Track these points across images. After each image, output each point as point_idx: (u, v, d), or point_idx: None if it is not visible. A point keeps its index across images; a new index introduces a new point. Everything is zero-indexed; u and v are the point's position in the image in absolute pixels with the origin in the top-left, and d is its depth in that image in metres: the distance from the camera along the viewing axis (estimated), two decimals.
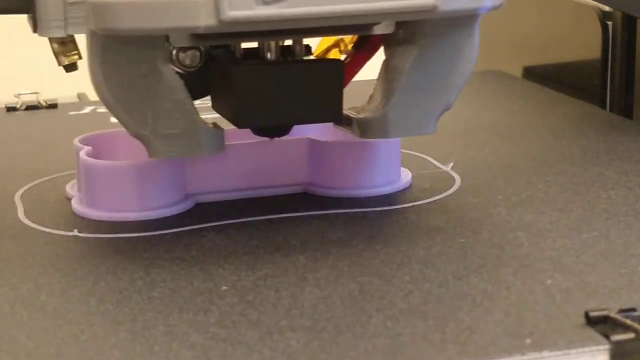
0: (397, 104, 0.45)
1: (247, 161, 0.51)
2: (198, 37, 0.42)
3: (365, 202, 0.50)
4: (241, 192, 0.51)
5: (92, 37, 0.42)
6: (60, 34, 0.45)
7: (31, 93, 0.74)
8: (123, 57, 0.42)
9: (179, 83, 0.43)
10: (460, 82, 0.45)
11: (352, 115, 0.47)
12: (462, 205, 0.49)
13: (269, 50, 0.45)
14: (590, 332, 0.35)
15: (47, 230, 0.47)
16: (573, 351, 0.34)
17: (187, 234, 0.46)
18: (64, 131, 0.65)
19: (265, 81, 0.44)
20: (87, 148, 0.50)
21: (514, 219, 0.46)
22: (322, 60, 0.50)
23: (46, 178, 0.55)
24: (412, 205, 0.49)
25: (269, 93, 0.44)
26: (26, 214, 0.49)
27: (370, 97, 0.47)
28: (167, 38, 0.43)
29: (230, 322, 0.37)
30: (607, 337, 0.35)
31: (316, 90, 0.45)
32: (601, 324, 0.35)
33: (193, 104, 0.44)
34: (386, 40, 0.46)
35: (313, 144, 0.51)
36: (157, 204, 0.48)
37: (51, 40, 0.47)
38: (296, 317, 0.37)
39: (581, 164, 0.54)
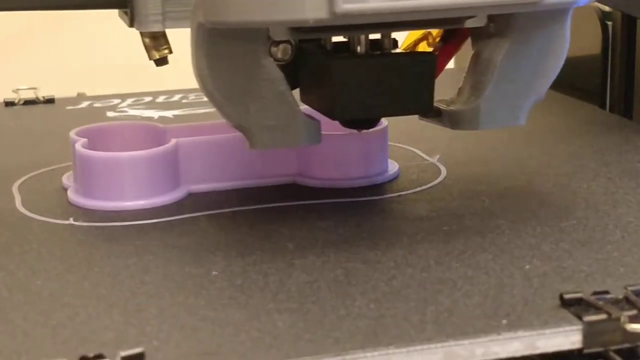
0: (489, 96, 0.45)
1: (239, 153, 0.52)
2: (297, 30, 0.43)
3: (353, 192, 0.51)
4: (233, 183, 0.52)
5: (199, 30, 0.42)
6: (158, 28, 0.45)
7: (29, 88, 0.75)
8: (228, 50, 0.43)
9: (280, 75, 0.44)
10: (552, 74, 0.46)
11: (442, 108, 0.48)
12: (446, 195, 0.50)
13: (359, 43, 0.46)
14: (564, 313, 0.36)
15: (44, 219, 0.49)
16: (547, 331, 0.36)
17: (179, 223, 0.48)
18: (61, 125, 0.66)
19: (362, 74, 0.45)
20: (83, 140, 0.52)
21: (497, 209, 0.48)
22: (416, 53, 0.51)
23: (43, 170, 0.56)
24: (399, 195, 0.50)
25: (364, 85, 0.45)
26: (23, 203, 0.51)
27: (460, 90, 0.48)
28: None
29: (219, 304, 0.39)
30: (580, 317, 0.36)
31: (409, 82, 0.45)
32: (575, 306, 0.37)
33: (293, 96, 0.45)
34: (475, 33, 0.47)
35: None
36: (151, 194, 0.50)
37: (143, 34, 0.48)
38: (283, 300, 0.39)
39: (565, 158, 0.56)
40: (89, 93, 0.81)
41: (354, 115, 0.47)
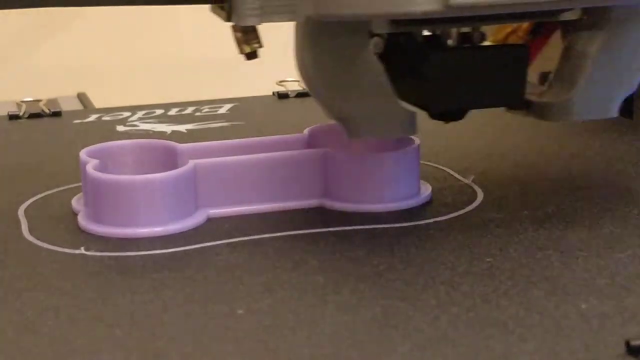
0: (583, 88, 0.46)
1: (261, 174, 0.49)
2: (398, 22, 0.44)
3: (384, 217, 0.47)
4: (255, 207, 0.49)
5: (306, 24, 0.43)
6: (255, 22, 0.45)
7: (34, 100, 0.72)
8: (333, 42, 0.44)
9: (380, 67, 0.45)
10: None
11: (533, 100, 0.48)
12: (486, 221, 0.47)
13: (450, 36, 0.47)
14: None
15: (53, 247, 0.45)
16: None
17: (199, 252, 0.44)
18: (69, 140, 0.63)
19: (457, 66, 0.46)
20: (94, 161, 0.48)
21: (542, 236, 0.44)
22: (509, 45, 0.51)
23: (51, 191, 0.53)
24: (434, 221, 0.47)
25: (459, 77, 0.46)
26: (30, 230, 0.47)
27: (551, 82, 0.48)
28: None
29: (247, 349, 0.35)
30: None
31: (502, 74, 0.46)
32: None
33: (391, 87, 0.45)
34: (566, 27, 0.47)
35: (329, 156, 0.49)
36: (167, 220, 0.46)
37: (234, 28, 0.47)
38: (317, 345, 0.35)
39: (606, 176, 0.52)
40: (89, 93, 0.77)
41: (449, 107, 0.47)
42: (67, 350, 0.36)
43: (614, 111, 0.47)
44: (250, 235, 0.46)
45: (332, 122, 0.51)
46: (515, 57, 0.46)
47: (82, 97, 0.79)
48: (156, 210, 0.46)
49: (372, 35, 0.45)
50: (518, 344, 0.35)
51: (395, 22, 0.44)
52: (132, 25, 0.92)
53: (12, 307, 0.39)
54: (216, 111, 0.69)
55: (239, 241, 0.45)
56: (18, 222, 0.48)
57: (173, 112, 0.70)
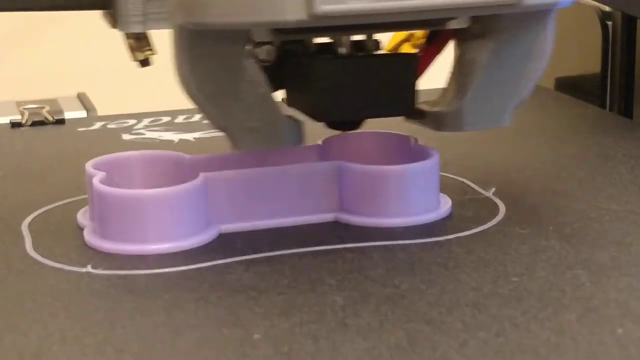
0: (473, 98, 0.45)
1: (274, 187, 0.47)
2: (279, 31, 0.43)
3: (403, 232, 0.46)
4: (268, 221, 0.47)
5: (181, 32, 0.42)
6: (139, 29, 0.45)
7: (37, 107, 0.70)
8: (210, 51, 0.42)
9: (261, 77, 0.44)
10: (536, 75, 0.45)
11: (425, 109, 0.47)
12: (510, 237, 0.45)
13: (342, 44, 0.46)
14: None
15: (58, 265, 0.43)
16: None
17: (211, 271, 0.42)
18: (74, 150, 0.61)
19: (344, 74, 0.45)
20: (101, 174, 0.46)
21: (570, 254, 0.42)
22: (398, 54, 0.51)
23: (55, 204, 0.51)
24: (455, 237, 0.45)
25: (347, 86, 0.45)
26: (34, 246, 0.45)
27: (444, 91, 0.47)
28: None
29: None
30: None
31: (392, 83, 0.45)
32: None
33: (274, 97, 0.45)
34: (459, 35, 0.46)
35: (345, 168, 0.47)
36: (177, 236, 0.44)
37: (127, 36, 0.47)
38: None
39: (631, 187, 0.50)
40: (89, 93, 0.76)
41: (337, 117, 0.47)
42: None
43: (506, 121, 0.45)
44: (264, 252, 0.44)
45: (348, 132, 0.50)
46: (404, 65, 0.45)
47: (82, 97, 0.77)
48: (165, 225, 0.44)
49: (262, 43, 0.44)
50: None
51: (277, 30, 0.43)
52: None
53: (15, 330, 0.37)
54: None
55: (253, 258, 0.43)
56: (22, 237, 0.47)
57: (180, 119, 0.68)
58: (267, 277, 0.41)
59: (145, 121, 0.68)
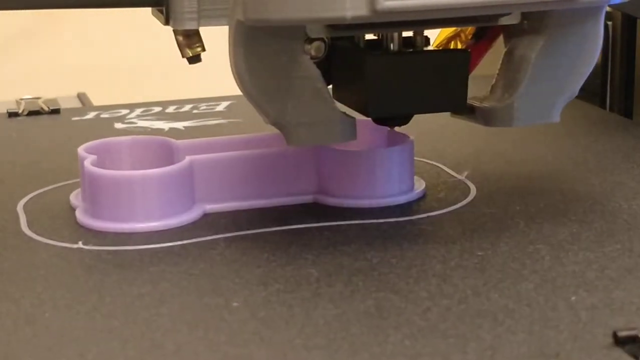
0: (524, 93, 0.45)
1: (257, 170, 0.49)
2: (333, 27, 0.44)
3: (378, 212, 0.48)
4: (250, 202, 0.49)
5: (237, 28, 0.42)
6: (193, 26, 0.45)
7: (33, 98, 0.72)
8: (267, 47, 0.43)
9: (317, 72, 0.44)
10: (586, 71, 0.46)
11: (476, 105, 0.47)
12: (478, 216, 0.47)
13: (392, 41, 0.46)
14: (619, 352, 0.34)
15: (51, 242, 0.46)
16: None
17: (195, 246, 0.45)
18: (67, 137, 0.63)
19: (397, 71, 0.45)
20: (92, 157, 0.49)
21: (533, 231, 0.45)
22: (449, 50, 0.51)
23: (50, 187, 0.53)
24: (427, 216, 0.48)
25: (399, 82, 0.45)
26: (29, 224, 0.48)
27: (492, 87, 0.47)
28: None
29: (241, 340, 0.36)
30: (636, 357, 0.33)
31: (443, 79, 0.46)
32: (630, 344, 0.34)
33: (329, 93, 0.45)
34: (508, 31, 0.47)
35: (323, 152, 0.50)
36: (164, 215, 0.47)
37: (176, 32, 0.47)
38: (310, 336, 0.36)
39: (598, 172, 0.53)
40: (89, 93, 0.78)
41: (388, 113, 0.47)
42: (64, 340, 0.36)
43: (555, 116, 0.46)
44: (245, 230, 0.46)
45: None
46: (456, 62, 0.46)
47: (82, 98, 0.80)
48: (153, 205, 0.47)
49: (312, 39, 0.45)
50: (507, 335, 0.35)
51: (332, 26, 0.44)
52: (130, 24, 0.92)
53: (10, 298, 0.40)
54: (214, 109, 0.70)
55: (235, 236, 0.46)
56: (17, 217, 0.49)
57: (171, 109, 0.71)
58: (248, 252, 0.44)
59: (137, 111, 0.70)
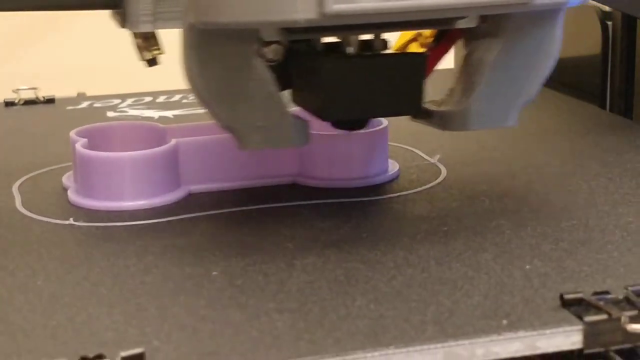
0: (480, 97, 0.45)
1: (240, 153, 0.52)
2: (288, 30, 0.43)
3: (353, 192, 0.51)
4: (233, 183, 0.52)
5: (189, 31, 0.42)
6: (148, 28, 0.46)
7: (29, 88, 0.75)
8: (219, 50, 0.43)
9: (269, 76, 0.44)
10: (543, 75, 0.45)
11: (432, 109, 0.47)
12: (446, 195, 0.50)
13: (350, 44, 0.46)
14: (565, 313, 0.36)
15: (44, 219, 0.49)
16: (548, 331, 0.36)
17: (179, 223, 0.48)
18: (62, 125, 0.66)
19: (352, 74, 0.45)
20: (83, 140, 0.52)
21: (497, 209, 0.48)
22: (405, 53, 0.51)
23: (43, 170, 0.56)
24: (399, 196, 0.50)
25: (354, 86, 0.45)
26: (24, 204, 0.51)
27: (450, 90, 0.47)
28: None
29: (219, 305, 0.39)
30: (580, 318, 0.36)
31: (399, 82, 0.45)
32: (575, 306, 0.37)
33: (281, 97, 0.45)
34: (467, 34, 0.46)
35: None
36: (151, 194, 0.50)
37: (135, 35, 0.48)
38: (283, 300, 0.39)
39: (565, 157, 0.56)
40: (89, 93, 0.81)
41: (344, 116, 0.47)
42: (55, 306, 0.39)
43: (511, 120, 0.46)
44: (227, 208, 0.49)
45: None
46: (412, 65, 0.45)
47: (82, 97, 0.82)
48: (140, 185, 0.50)
49: (268, 43, 0.44)
50: (464, 299, 0.38)
51: (286, 29, 0.43)
52: None
53: (5, 269, 0.43)
54: None
55: (217, 213, 0.49)
56: (12, 196, 0.52)
57: (161, 99, 0.74)
58: (228, 228, 0.47)
59: (129, 100, 0.73)
